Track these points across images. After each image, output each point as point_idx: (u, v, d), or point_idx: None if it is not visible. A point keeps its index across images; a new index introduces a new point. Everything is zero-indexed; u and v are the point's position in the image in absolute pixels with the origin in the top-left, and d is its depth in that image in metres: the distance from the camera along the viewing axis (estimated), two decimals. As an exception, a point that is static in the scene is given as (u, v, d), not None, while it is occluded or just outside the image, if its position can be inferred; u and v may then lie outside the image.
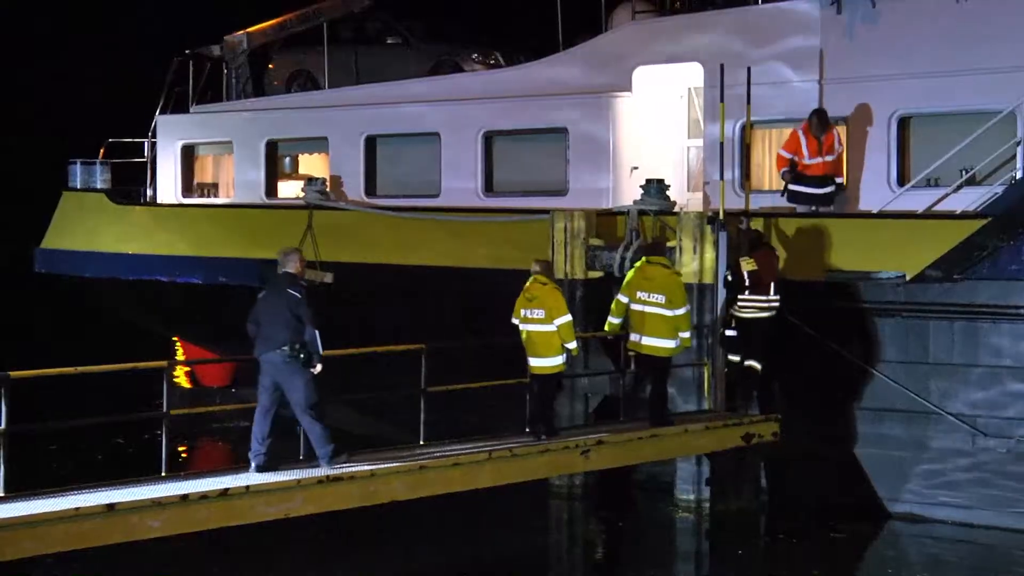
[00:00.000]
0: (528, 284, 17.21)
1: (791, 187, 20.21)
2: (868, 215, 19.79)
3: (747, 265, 18.76)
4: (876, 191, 20.19)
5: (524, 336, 17.12)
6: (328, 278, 23.40)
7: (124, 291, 27.24)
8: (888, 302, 18.65)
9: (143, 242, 26.70)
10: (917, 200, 19.62)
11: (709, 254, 19.14)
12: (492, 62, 25.70)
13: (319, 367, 14.75)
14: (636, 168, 22.27)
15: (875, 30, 20.33)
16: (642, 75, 22.46)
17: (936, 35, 19.86)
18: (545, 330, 16.95)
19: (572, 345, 17.11)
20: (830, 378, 19.07)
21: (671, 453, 18.38)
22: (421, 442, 16.42)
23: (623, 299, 17.93)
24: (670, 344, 17.77)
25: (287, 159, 26.92)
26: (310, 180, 24.60)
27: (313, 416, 14.84)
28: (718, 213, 19.34)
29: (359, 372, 17.21)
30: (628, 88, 22.47)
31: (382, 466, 15.23)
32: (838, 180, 20.25)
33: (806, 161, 20.11)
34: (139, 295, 27.04)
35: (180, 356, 30.19)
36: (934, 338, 18.43)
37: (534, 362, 17.13)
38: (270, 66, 28.22)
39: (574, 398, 19.99)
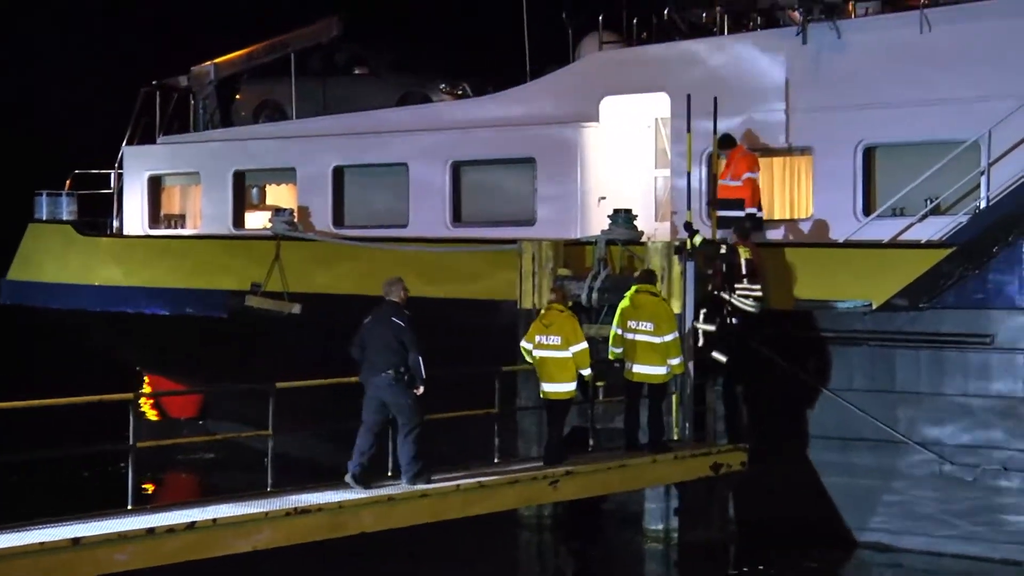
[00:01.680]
0: (544, 311, 17.61)
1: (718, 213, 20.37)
2: (835, 244, 19.97)
3: (744, 253, 18.95)
4: (842, 220, 20.34)
5: (537, 361, 17.43)
6: (295, 309, 23.46)
7: (91, 323, 27.18)
8: (855, 331, 18.80)
9: (110, 273, 26.65)
10: (883, 229, 19.79)
11: (676, 282, 19.25)
12: (460, 92, 25.81)
13: (422, 389, 15.67)
14: (604, 198, 22.38)
15: (840, 60, 20.54)
16: (609, 105, 22.62)
17: (901, 65, 20.09)
18: (561, 356, 17.26)
19: (587, 372, 17.41)
20: (798, 406, 19.18)
21: (640, 483, 18.46)
22: (388, 473, 16.44)
23: (617, 330, 18.09)
24: (660, 371, 17.93)
25: (254, 190, 26.96)
26: (278, 211, 24.65)
27: (411, 436, 15.70)
28: (685, 243, 19.47)
29: (329, 402, 17.22)
30: (595, 118, 22.62)
31: (350, 497, 15.26)
32: (751, 211, 20.25)
33: (719, 182, 20.32)
34: (106, 327, 26.99)
35: (147, 388, 30.11)
36: (901, 367, 18.58)
37: (548, 387, 17.42)
38: (237, 97, 28.24)
39: (542, 425, 19.99)
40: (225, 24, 37.54)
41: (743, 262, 18.96)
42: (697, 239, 19.25)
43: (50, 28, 48.16)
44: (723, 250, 19.07)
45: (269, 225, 24.54)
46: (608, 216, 20.88)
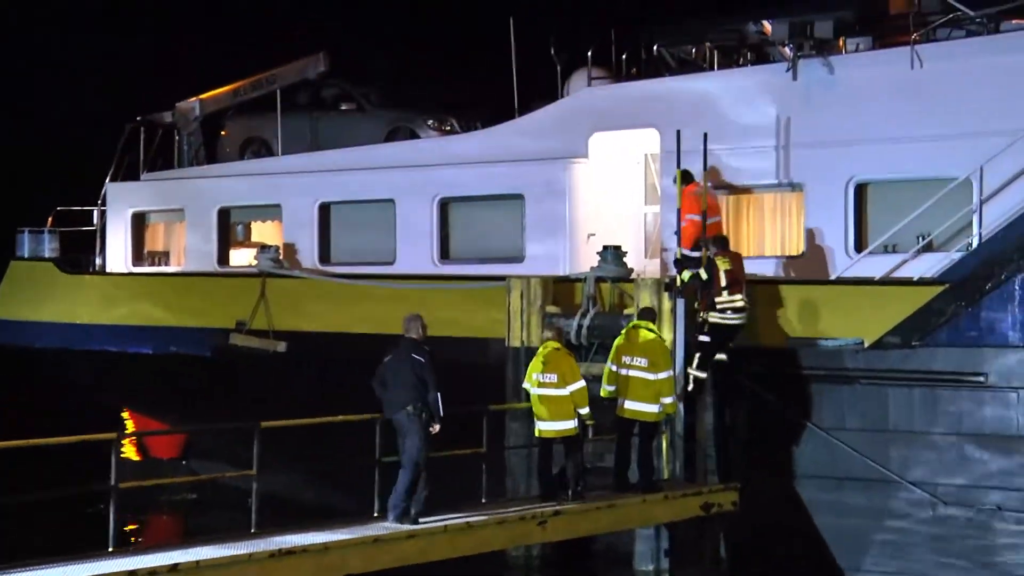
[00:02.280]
0: (541, 349, 17.52)
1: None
2: (826, 281, 19.93)
3: (723, 264, 18.87)
4: (834, 257, 20.38)
5: (534, 399, 17.36)
6: (281, 347, 23.42)
7: (73, 361, 27.02)
8: (847, 368, 18.73)
9: (93, 312, 26.52)
10: (875, 266, 19.77)
11: (666, 319, 19.17)
12: (448, 128, 25.77)
13: (437, 427, 15.87)
14: (593, 235, 22.37)
15: (832, 96, 20.57)
16: (599, 141, 22.62)
17: (892, 102, 20.11)
18: (558, 394, 17.19)
19: (585, 411, 17.30)
20: (790, 445, 19.08)
21: (629, 523, 18.31)
22: (375, 514, 16.30)
23: (611, 366, 17.99)
24: (652, 409, 17.80)
25: (240, 227, 26.88)
26: (263, 248, 24.58)
27: (412, 472, 15.80)
28: (675, 279, 19.40)
29: (315, 442, 17.09)
30: (585, 154, 22.62)
31: (335, 538, 15.10)
32: (685, 251, 20.12)
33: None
34: (89, 366, 26.83)
35: (129, 427, 29.92)
36: (893, 405, 18.49)
37: (545, 425, 17.35)
38: (223, 133, 28.20)
39: (530, 468, 19.89)
40: (211, 60, 37.57)
41: (722, 274, 18.83)
42: (685, 274, 19.19)
43: (33, 63, 48.19)
44: (703, 274, 18.94)
45: (254, 262, 24.49)
46: (597, 253, 20.83)
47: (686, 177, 20.41)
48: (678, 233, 20.36)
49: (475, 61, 32.98)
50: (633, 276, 20.56)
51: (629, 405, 17.85)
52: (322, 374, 22.60)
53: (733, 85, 21.46)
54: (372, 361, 22.24)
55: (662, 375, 17.71)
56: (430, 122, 25.86)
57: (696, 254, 20.03)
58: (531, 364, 17.61)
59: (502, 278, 21.01)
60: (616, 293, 20.27)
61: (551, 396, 17.24)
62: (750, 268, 19.70)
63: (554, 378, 17.20)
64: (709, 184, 20.46)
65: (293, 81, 27.40)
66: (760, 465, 19.18)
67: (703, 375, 18.94)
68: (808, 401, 18.98)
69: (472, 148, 23.82)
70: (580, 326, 19.84)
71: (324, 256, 25.03)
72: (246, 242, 26.82)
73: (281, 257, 24.44)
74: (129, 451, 29.85)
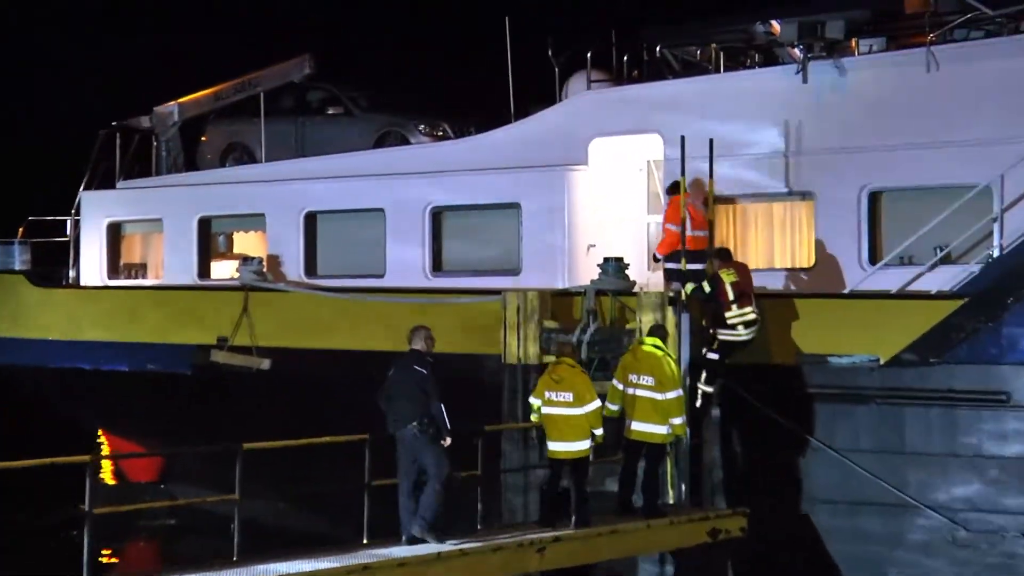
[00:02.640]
0: (553, 365, 17.55)
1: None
2: (839, 295, 19.95)
3: (728, 276, 18.92)
4: (847, 270, 20.42)
5: (545, 418, 17.38)
6: (265, 364, 23.39)
7: (46, 379, 27.01)
8: (862, 387, 18.75)
9: (66, 327, 26.51)
10: (890, 279, 19.82)
11: (671, 336, 19.14)
12: (440, 133, 25.84)
13: (449, 440, 16.05)
14: (593, 246, 22.40)
15: (844, 100, 20.63)
16: (599, 147, 22.66)
17: (907, 106, 20.16)
18: (572, 414, 17.19)
19: (599, 432, 17.33)
20: (801, 468, 19.11)
21: (632, 551, 18.30)
22: (365, 540, 16.31)
23: (617, 384, 18.01)
24: (660, 430, 17.79)
25: (221, 237, 26.87)
26: (246, 260, 24.56)
27: (437, 489, 15.97)
28: (679, 293, 19.44)
29: (300, 465, 17.10)
30: (584, 161, 22.67)
31: (322, 566, 15.10)
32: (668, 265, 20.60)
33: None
34: (62, 384, 26.83)
35: (105, 450, 29.90)
36: (911, 426, 18.52)
37: (558, 446, 17.32)
38: (203, 138, 28.24)
39: (528, 489, 19.90)
40: (190, 62, 37.64)
41: (728, 287, 18.91)
42: (689, 287, 19.25)
43: (4, 68, 48.26)
44: (706, 287, 19.02)
45: (237, 275, 24.49)
46: (598, 265, 20.85)
47: (675, 188, 20.51)
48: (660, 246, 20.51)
49: (469, 63, 33.08)
50: (635, 289, 20.58)
51: (636, 426, 17.85)
52: (309, 393, 22.59)
53: (740, 88, 21.50)
54: (360, 379, 22.38)
55: (670, 395, 17.71)
56: (422, 127, 25.91)
57: (674, 265, 20.20)
58: (541, 381, 17.62)
59: (498, 291, 21.02)
60: (617, 307, 20.30)
61: (566, 416, 17.23)
62: (758, 281, 19.74)
63: (569, 396, 17.19)
64: (688, 197, 20.56)
65: (277, 84, 27.45)
66: (769, 489, 19.20)
67: (711, 390, 19.00)
68: (820, 422, 19.01)
69: (466, 155, 23.84)
70: (580, 342, 19.83)
71: (310, 269, 25.03)
72: (228, 254, 26.81)
73: (265, 270, 24.43)
74: (105, 474, 29.85)
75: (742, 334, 18.93)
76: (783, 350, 19.36)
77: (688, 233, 20.30)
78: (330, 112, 27.25)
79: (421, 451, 16.06)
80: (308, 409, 22.11)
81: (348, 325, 23.07)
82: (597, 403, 17.27)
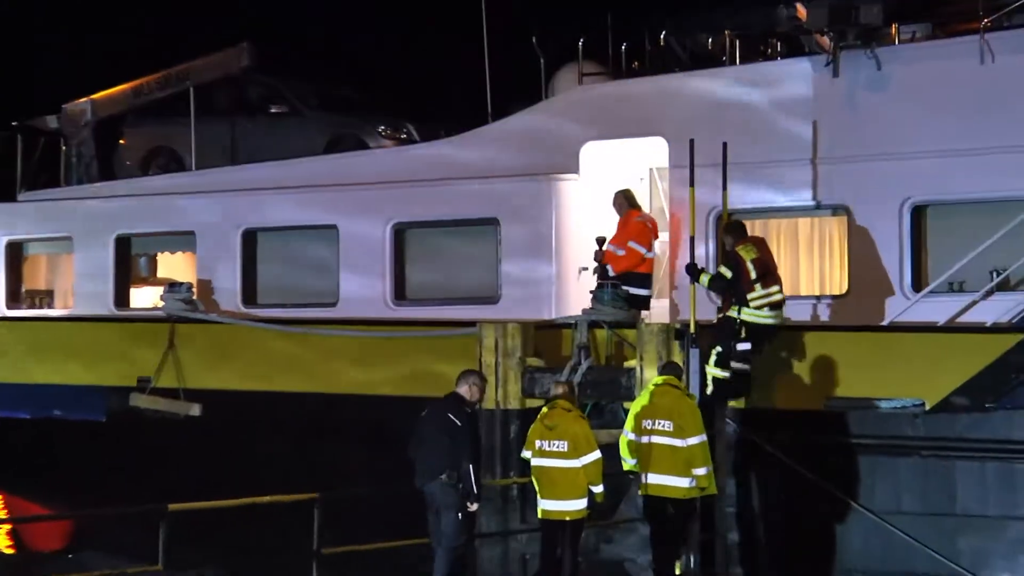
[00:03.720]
0: (546, 410, 17.44)
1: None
2: (877, 328, 19.98)
3: (748, 253, 19.02)
4: (886, 298, 20.44)
5: (536, 471, 17.31)
6: (194, 410, 23.36)
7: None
8: (904, 437, 18.76)
9: (-44, 366, 26.45)
10: (937, 309, 19.86)
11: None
12: (404, 136, 25.86)
13: (475, 506, 16.61)
14: (585, 269, 22.36)
15: (881, 98, 20.68)
16: (592, 153, 22.70)
17: (958, 104, 20.21)
18: (568, 466, 17.12)
19: (599, 489, 17.24)
20: (833, 533, 19.06)
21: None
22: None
23: (629, 435, 17.88)
24: (682, 483, 17.61)
25: (143, 259, 26.88)
26: (172, 286, 24.53)
27: (448, 557, 16.43)
28: (687, 325, 19.42)
29: (236, 528, 17.03)
30: (575, 169, 22.70)
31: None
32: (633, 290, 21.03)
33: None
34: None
35: (1, 512, 29.76)
36: (962, 483, 18.52)
37: (550, 505, 17.23)
38: (122, 142, 28.19)
39: (508, 560, 19.87)
40: (106, 53, 37.58)
41: (749, 264, 19.00)
42: (704, 278, 19.40)
43: None
44: (726, 271, 19.14)
45: (161, 304, 24.43)
46: (591, 292, 20.88)
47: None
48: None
49: (440, 55, 33.07)
50: (636, 320, 20.58)
51: (654, 480, 17.68)
52: (247, 443, 22.53)
53: (760, 83, 21.55)
54: (308, 427, 22.36)
55: (692, 440, 17.58)
56: (382, 129, 25.93)
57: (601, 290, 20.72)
58: (533, 428, 17.49)
59: (472, 323, 21.02)
60: (614, 342, 20.33)
61: (560, 469, 17.12)
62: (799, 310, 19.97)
63: (563, 446, 17.09)
64: (638, 215, 21.11)
65: (211, 78, 27.34)
66: (796, 558, 19.17)
67: (724, 374, 19.03)
68: (855, 478, 18.99)
69: (435, 161, 23.86)
70: (570, 383, 19.74)
71: (249, 296, 25.05)
72: (151, 279, 26.80)
73: (194, 297, 24.40)
74: (1, 541, 29.68)
75: (768, 317, 19.03)
76: (810, 393, 19.38)
77: (648, 255, 21.05)
78: (273, 111, 27.25)
79: (443, 508, 16.41)
80: (246, 463, 22.07)
81: (293, 363, 23.03)
82: (597, 455, 17.14)
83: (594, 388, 19.89)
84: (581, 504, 17.19)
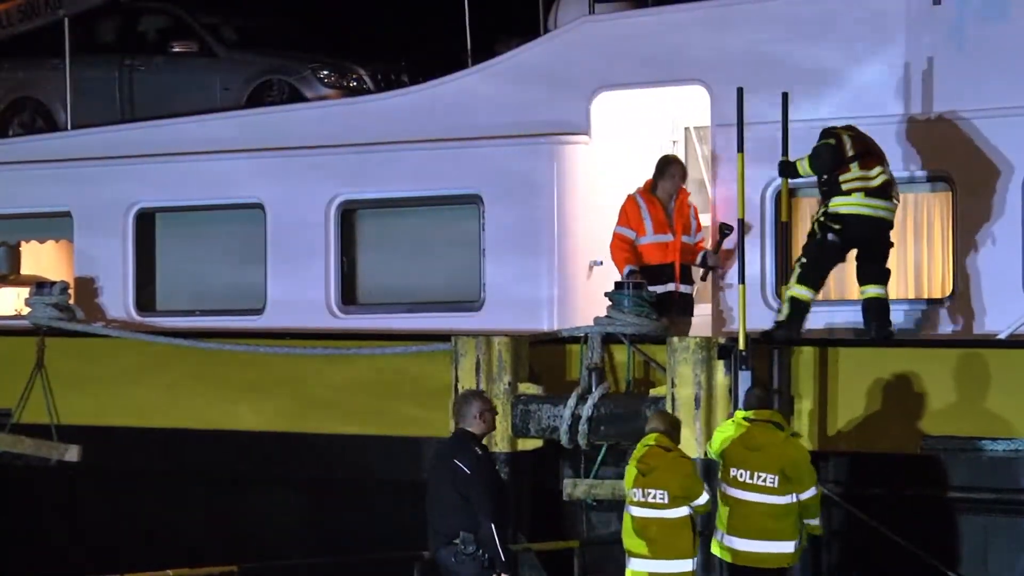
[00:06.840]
0: (641, 450, 17.73)
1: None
2: (991, 342, 20.17)
3: (845, 130, 19.98)
4: (1004, 301, 20.63)
5: (629, 525, 17.70)
6: (71, 454, 23.33)
7: None
8: (1020, 489, 18.97)
9: None
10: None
11: (720, 406, 19.56)
12: (352, 84, 26.02)
13: None
14: (599, 263, 22.65)
15: (999, 33, 20.85)
16: (607, 106, 22.90)
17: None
18: (669, 517, 17.51)
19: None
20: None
21: None
22: None
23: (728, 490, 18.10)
24: (786, 548, 17.95)
25: (1, 251, 27.03)
26: (41, 287, 24.67)
27: None
28: (735, 339, 19.67)
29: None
30: (585, 129, 22.85)
31: None
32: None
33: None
34: None
35: None
36: (1102, 548, 18.91)
37: (646, 566, 17.61)
38: (-29, 92, 28.43)
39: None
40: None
41: (846, 139, 19.89)
42: (803, 164, 20.22)
43: None
44: (831, 140, 19.96)
45: (26, 311, 24.67)
46: (607, 294, 21.03)
47: (657, 169, 21.26)
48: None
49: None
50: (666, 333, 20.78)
51: (745, 546, 17.90)
52: (142, 496, 22.68)
53: (833, 11, 21.72)
54: (228, 474, 22.53)
55: (808, 493, 17.84)
56: (323, 74, 25.98)
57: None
58: (627, 471, 17.77)
59: (447, 336, 21.21)
60: (638, 361, 20.60)
61: (658, 520, 17.52)
62: (859, 319, 20.24)
63: (663, 496, 17.46)
64: (638, 195, 21.52)
65: (90, 5, 27.26)
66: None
67: (808, 295, 19.72)
68: (960, 538, 19.28)
69: (394, 117, 23.96)
70: (576, 417, 20.05)
71: (145, 301, 25.27)
72: (12, 276, 27.03)
73: (71, 302, 24.57)
74: None
75: (866, 205, 19.67)
76: (900, 430, 19.58)
77: (648, 240, 21.33)
78: (176, 50, 27.22)
79: None
80: (143, 523, 22.22)
81: (204, 391, 23.24)
82: (705, 498, 17.60)
83: (610, 424, 20.00)
84: (688, 566, 17.55)
